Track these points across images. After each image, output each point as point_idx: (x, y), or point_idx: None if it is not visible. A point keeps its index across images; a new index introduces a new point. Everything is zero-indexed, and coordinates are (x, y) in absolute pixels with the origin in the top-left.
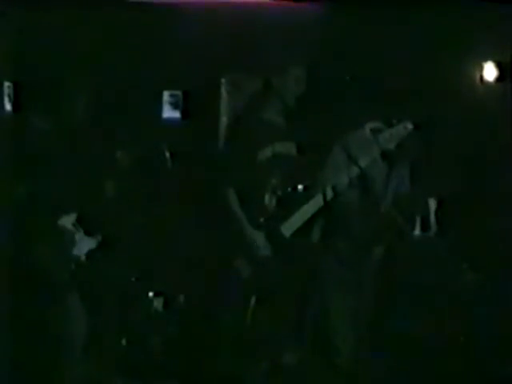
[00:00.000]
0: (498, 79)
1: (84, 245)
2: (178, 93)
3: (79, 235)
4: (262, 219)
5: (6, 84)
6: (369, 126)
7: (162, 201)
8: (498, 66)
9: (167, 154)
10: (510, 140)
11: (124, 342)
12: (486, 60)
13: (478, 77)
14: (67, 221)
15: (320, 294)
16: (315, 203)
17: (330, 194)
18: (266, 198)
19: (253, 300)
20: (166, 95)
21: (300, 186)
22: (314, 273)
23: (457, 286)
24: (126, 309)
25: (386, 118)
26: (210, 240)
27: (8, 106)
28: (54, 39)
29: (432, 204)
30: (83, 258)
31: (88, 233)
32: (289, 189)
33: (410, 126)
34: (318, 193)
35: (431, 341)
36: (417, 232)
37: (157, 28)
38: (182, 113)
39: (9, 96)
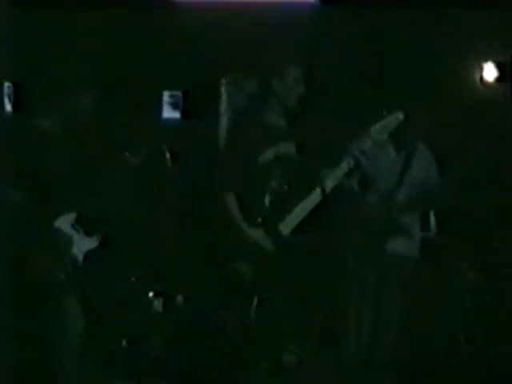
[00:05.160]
0: (498, 79)
1: (84, 245)
2: (178, 93)
3: (79, 235)
4: (261, 219)
5: (6, 84)
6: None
7: (162, 201)
8: (498, 66)
9: (167, 154)
10: (509, 140)
11: (124, 342)
12: (486, 60)
13: (477, 77)
14: (66, 221)
15: (320, 294)
16: (312, 200)
17: (327, 191)
18: (266, 198)
19: (254, 300)
20: (166, 95)
21: (299, 186)
22: (314, 273)
23: (457, 286)
24: (126, 309)
25: (385, 119)
26: (209, 240)
27: (8, 107)
28: (54, 39)
29: (432, 204)
30: (83, 258)
31: (88, 233)
32: (287, 188)
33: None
34: (315, 190)
35: (431, 340)
36: (417, 232)
37: (157, 28)
38: (182, 113)
39: (9, 96)
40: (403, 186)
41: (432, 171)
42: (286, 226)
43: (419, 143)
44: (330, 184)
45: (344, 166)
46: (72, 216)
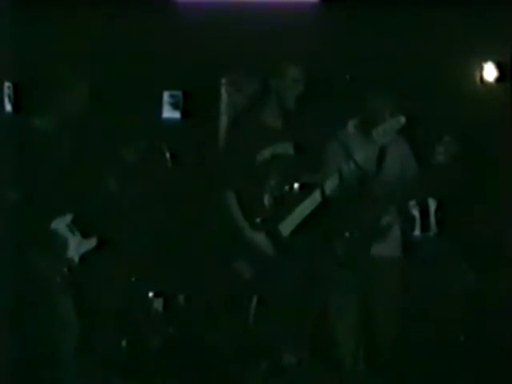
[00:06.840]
0: (498, 79)
1: (84, 245)
2: (178, 93)
3: (78, 236)
4: (260, 219)
5: (6, 84)
6: (365, 124)
7: (162, 201)
8: (498, 66)
9: (167, 154)
10: (509, 140)
11: (124, 342)
12: (486, 60)
13: (478, 77)
14: (66, 221)
15: (320, 294)
16: (312, 201)
17: (327, 191)
18: (265, 197)
19: (254, 300)
20: (166, 95)
21: (297, 185)
22: (314, 273)
23: (457, 286)
24: (126, 309)
25: (384, 119)
26: (209, 240)
27: (8, 107)
28: (54, 39)
29: (432, 204)
30: (82, 258)
31: (87, 233)
32: (287, 188)
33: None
34: (315, 191)
35: (431, 340)
36: (417, 232)
37: (157, 28)
38: (182, 113)
39: (9, 96)
40: (403, 186)
41: (431, 171)
42: (286, 227)
43: (419, 143)
44: (329, 185)
45: (343, 167)
46: (73, 216)
